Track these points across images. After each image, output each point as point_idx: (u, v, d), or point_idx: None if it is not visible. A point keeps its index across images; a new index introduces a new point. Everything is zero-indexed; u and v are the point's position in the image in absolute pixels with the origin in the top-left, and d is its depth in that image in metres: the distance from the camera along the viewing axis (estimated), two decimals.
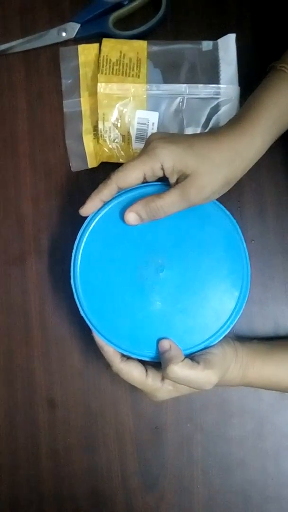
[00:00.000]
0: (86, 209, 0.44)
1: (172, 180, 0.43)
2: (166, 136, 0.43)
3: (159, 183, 0.44)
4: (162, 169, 0.42)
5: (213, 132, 0.43)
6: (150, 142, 0.42)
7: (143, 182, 0.43)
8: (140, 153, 0.42)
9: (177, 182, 0.42)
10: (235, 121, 0.43)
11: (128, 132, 0.52)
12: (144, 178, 0.43)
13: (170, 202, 0.42)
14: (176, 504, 0.52)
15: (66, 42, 0.54)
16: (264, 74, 0.46)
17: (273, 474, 0.52)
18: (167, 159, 0.41)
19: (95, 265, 0.44)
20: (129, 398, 0.52)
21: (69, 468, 0.53)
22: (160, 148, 0.41)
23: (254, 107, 0.43)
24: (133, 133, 0.52)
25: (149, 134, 0.52)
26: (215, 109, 0.52)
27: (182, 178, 0.42)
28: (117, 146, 0.52)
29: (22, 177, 0.54)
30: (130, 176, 0.42)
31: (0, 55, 0.54)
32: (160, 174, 0.42)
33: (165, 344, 0.43)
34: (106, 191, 0.43)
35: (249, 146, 0.42)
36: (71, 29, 0.53)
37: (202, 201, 0.42)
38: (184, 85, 0.52)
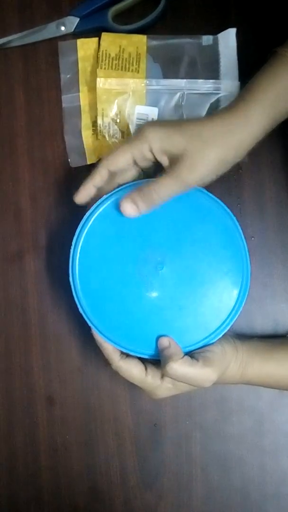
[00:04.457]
0: (80, 197, 0.44)
1: (165, 163, 0.42)
2: (160, 122, 0.43)
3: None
4: (151, 151, 0.41)
5: (209, 115, 0.43)
6: (141, 128, 0.42)
7: (140, 176, 0.43)
8: (130, 137, 0.42)
9: (170, 166, 0.42)
10: (231, 103, 0.43)
11: (128, 128, 0.51)
12: (135, 162, 0.42)
13: (164, 185, 0.41)
14: (175, 502, 0.52)
15: (65, 36, 0.53)
16: (265, 62, 0.45)
17: (271, 472, 0.52)
18: (154, 139, 0.40)
19: (93, 262, 0.44)
20: (128, 396, 0.52)
21: (68, 466, 0.52)
22: (147, 130, 0.41)
23: (251, 89, 0.42)
24: (132, 128, 0.51)
25: None
26: (215, 104, 0.51)
27: (175, 160, 0.41)
28: (116, 142, 0.52)
29: (20, 173, 0.53)
30: (119, 159, 0.42)
31: None
32: (150, 156, 0.42)
33: (164, 341, 0.43)
34: (97, 177, 0.43)
35: (243, 126, 0.41)
36: (70, 23, 0.53)
37: (197, 182, 0.41)
38: (184, 80, 0.51)
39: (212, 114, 0.43)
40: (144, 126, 0.42)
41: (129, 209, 0.42)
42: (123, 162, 0.42)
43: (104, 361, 0.45)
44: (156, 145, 0.41)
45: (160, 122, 0.42)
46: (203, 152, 0.40)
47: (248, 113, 0.41)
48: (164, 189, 0.41)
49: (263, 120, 0.42)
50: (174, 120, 0.43)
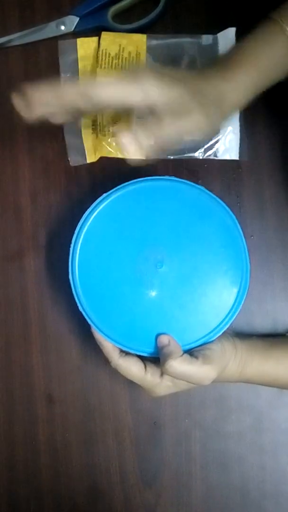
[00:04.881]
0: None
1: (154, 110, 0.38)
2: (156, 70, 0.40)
3: (166, 177, 0.44)
4: (144, 98, 0.37)
5: (199, 70, 0.42)
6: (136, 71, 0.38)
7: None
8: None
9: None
10: (222, 64, 0.42)
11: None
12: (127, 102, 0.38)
13: (175, 126, 0.38)
14: (175, 500, 0.52)
15: (65, 36, 0.54)
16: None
17: (270, 470, 0.52)
18: (153, 85, 0.37)
19: (93, 260, 0.44)
20: (127, 394, 0.52)
21: (68, 464, 0.53)
22: (145, 73, 0.37)
23: (244, 53, 0.42)
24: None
25: None
26: None
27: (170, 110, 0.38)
28: (116, 141, 0.52)
29: (20, 172, 0.54)
30: (110, 89, 0.37)
31: None
32: (138, 100, 0.37)
33: (164, 339, 0.43)
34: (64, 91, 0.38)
35: (231, 91, 0.41)
36: (70, 23, 0.53)
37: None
38: None
39: (204, 71, 0.41)
40: (140, 70, 0.38)
41: (126, 141, 0.37)
42: (112, 95, 0.36)
43: (103, 360, 0.45)
44: (157, 94, 0.37)
45: (157, 70, 0.39)
46: (208, 108, 0.39)
47: (238, 78, 0.41)
48: (175, 130, 0.39)
49: (250, 87, 0.42)
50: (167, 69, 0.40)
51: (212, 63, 0.43)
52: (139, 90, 0.37)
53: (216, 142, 0.52)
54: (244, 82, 0.42)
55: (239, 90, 0.42)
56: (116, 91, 0.37)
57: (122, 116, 0.51)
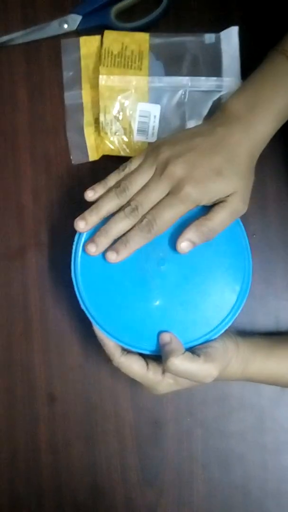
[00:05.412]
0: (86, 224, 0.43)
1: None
2: (177, 152, 0.41)
3: None
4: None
5: (222, 141, 0.42)
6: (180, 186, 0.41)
7: None
8: (170, 197, 0.41)
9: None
10: (242, 120, 0.42)
11: (130, 125, 0.52)
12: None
13: (220, 221, 0.42)
14: (176, 499, 0.52)
15: (67, 34, 0.54)
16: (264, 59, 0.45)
17: (272, 469, 0.52)
18: (199, 198, 0.41)
19: (95, 258, 0.44)
20: (129, 392, 0.52)
21: (69, 463, 0.52)
22: (189, 192, 0.41)
23: (258, 96, 0.43)
24: (134, 126, 0.51)
25: (151, 127, 0.52)
26: (218, 102, 0.52)
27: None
28: (118, 139, 0.52)
29: (23, 170, 0.54)
30: (165, 221, 0.42)
31: (1, 47, 0.54)
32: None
33: (165, 337, 0.43)
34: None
35: (260, 142, 0.43)
36: (72, 21, 0.53)
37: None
38: (186, 77, 0.51)
39: (229, 141, 0.42)
40: (185, 186, 0.40)
41: (186, 247, 0.42)
42: (168, 223, 0.42)
43: (105, 358, 0.45)
44: (204, 201, 0.41)
45: (191, 165, 0.41)
46: (246, 181, 0.42)
47: (263, 131, 0.43)
48: (221, 225, 0.42)
49: (270, 129, 0.43)
50: (197, 156, 0.41)
51: (225, 112, 0.43)
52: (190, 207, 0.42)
53: None
54: (267, 131, 0.43)
55: (264, 139, 0.43)
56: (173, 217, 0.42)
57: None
